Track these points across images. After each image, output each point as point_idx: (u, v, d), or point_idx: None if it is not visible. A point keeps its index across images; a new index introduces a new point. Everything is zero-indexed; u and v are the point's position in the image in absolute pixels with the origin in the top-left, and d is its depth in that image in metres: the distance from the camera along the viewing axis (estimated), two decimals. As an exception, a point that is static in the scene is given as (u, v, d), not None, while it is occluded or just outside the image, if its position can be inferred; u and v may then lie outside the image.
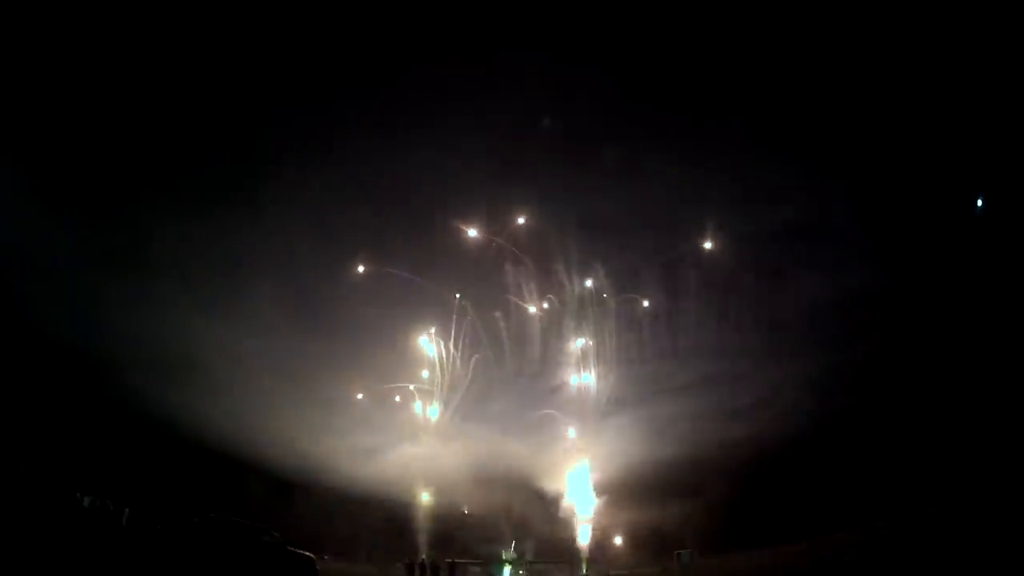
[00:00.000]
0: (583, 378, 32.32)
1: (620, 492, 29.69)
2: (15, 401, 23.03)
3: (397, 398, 32.63)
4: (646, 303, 31.83)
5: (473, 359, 32.88)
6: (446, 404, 32.75)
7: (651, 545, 28.76)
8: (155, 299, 25.78)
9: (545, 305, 33.18)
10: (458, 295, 32.85)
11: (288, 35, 26.72)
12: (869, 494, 24.18)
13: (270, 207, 27.82)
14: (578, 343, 32.85)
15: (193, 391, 26.20)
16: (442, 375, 33.00)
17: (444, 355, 33.00)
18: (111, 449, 24.92)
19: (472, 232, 32.25)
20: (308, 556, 23.00)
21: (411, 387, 32.79)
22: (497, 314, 33.13)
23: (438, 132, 30.37)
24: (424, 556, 29.50)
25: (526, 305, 33.00)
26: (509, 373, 33.02)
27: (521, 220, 32.62)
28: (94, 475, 23.87)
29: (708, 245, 30.84)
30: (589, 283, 32.81)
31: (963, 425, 23.54)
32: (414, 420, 32.56)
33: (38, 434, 23.31)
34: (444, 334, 33.13)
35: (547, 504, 30.45)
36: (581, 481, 30.47)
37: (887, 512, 22.73)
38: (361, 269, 30.92)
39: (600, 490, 30.18)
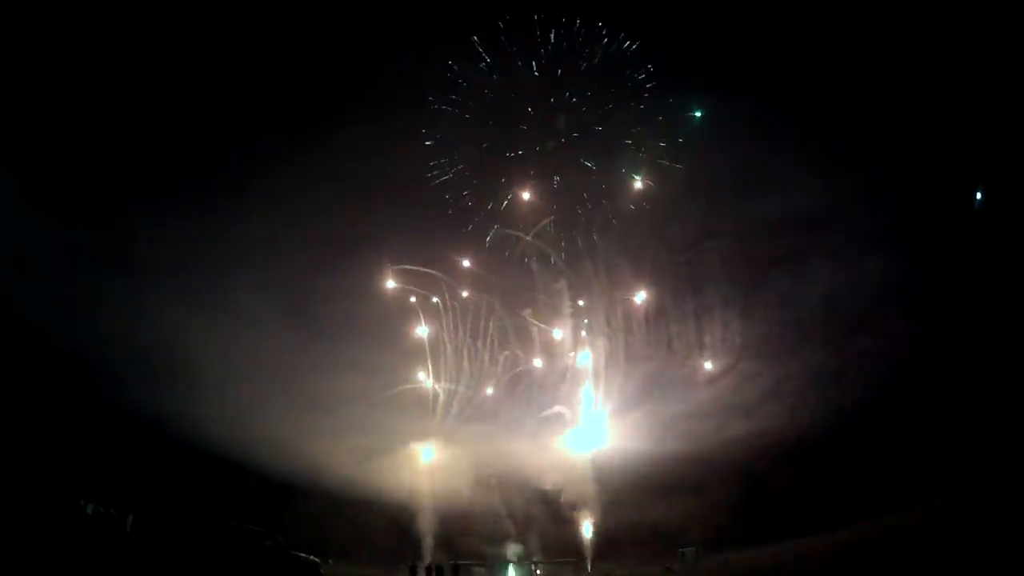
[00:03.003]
0: (590, 375, 32.39)
1: (624, 490, 29.60)
2: (15, 407, 23.04)
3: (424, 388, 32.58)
4: (653, 299, 31.74)
5: (503, 357, 33.13)
6: (456, 404, 32.92)
7: (655, 543, 28.66)
8: (154, 302, 25.74)
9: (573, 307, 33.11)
10: (485, 294, 33.05)
11: (281, 29, 26.86)
12: (877, 489, 24.22)
13: (270, 205, 27.83)
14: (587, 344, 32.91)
15: (195, 396, 26.20)
16: (470, 370, 33.23)
17: (464, 355, 33.20)
18: (113, 455, 24.91)
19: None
20: (313, 560, 22.97)
21: (430, 383, 32.86)
22: (527, 312, 33.33)
23: (451, 124, 30.88)
24: (429, 559, 29.62)
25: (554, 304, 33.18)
26: (528, 372, 33.22)
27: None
28: (97, 482, 23.86)
29: (713, 238, 30.97)
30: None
31: (972, 418, 23.55)
32: (421, 421, 32.50)
33: (40, 441, 23.33)
34: (459, 332, 33.22)
35: (552, 503, 30.39)
36: (586, 479, 30.43)
37: (895, 507, 22.73)
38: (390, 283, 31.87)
39: (604, 487, 30.11)
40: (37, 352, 23.62)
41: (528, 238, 32.87)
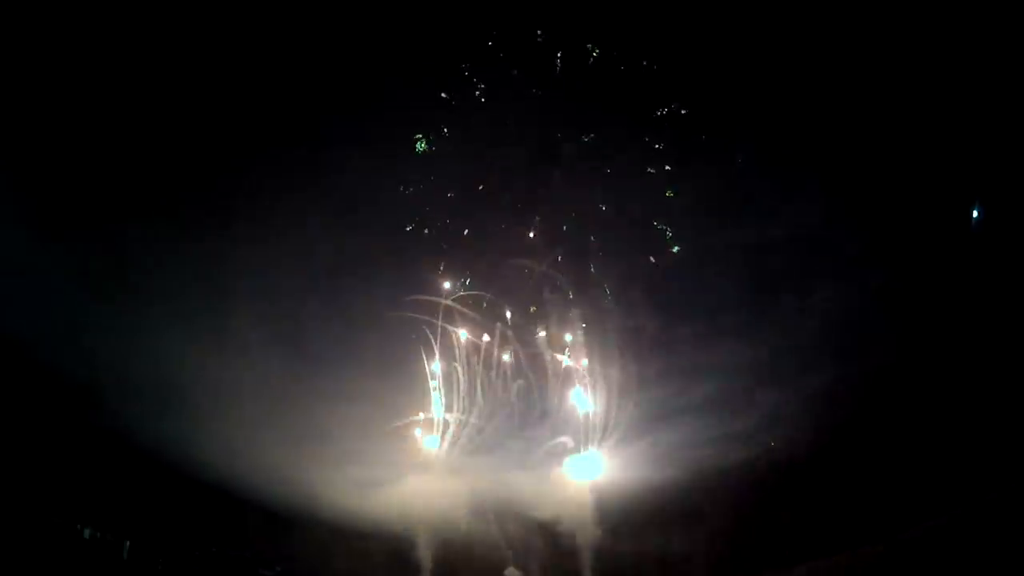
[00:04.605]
0: (589, 403, 32.08)
1: (623, 520, 29.05)
2: (13, 430, 23.49)
3: (418, 430, 32.40)
4: (644, 322, 31.58)
5: (516, 386, 32.60)
6: (463, 435, 32.61)
7: (656, 572, 28.02)
8: (152, 329, 26.06)
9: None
10: (499, 324, 32.94)
11: (273, 51, 27.53)
12: (880, 512, 23.61)
13: (270, 229, 28.15)
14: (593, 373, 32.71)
15: (194, 424, 26.32)
16: (481, 401, 32.79)
17: (473, 385, 33.04)
18: (111, 481, 25.15)
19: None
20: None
21: (444, 417, 32.63)
22: (540, 335, 33.10)
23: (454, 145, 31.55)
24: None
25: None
26: (538, 401, 32.58)
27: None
28: (94, 506, 24.09)
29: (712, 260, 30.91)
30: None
31: (975, 439, 22.98)
32: (420, 453, 32.24)
33: (38, 464, 23.68)
34: (469, 361, 33.03)
35: (551, 533, 29.84)
36: (584, 508, 29.90)
37: (899, 529, 22.13)
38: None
39: (602, 518, 29.51)
40: (35, 375, 24.09)
41: (540, 269, 33.07)
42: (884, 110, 27.89)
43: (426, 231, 32.61)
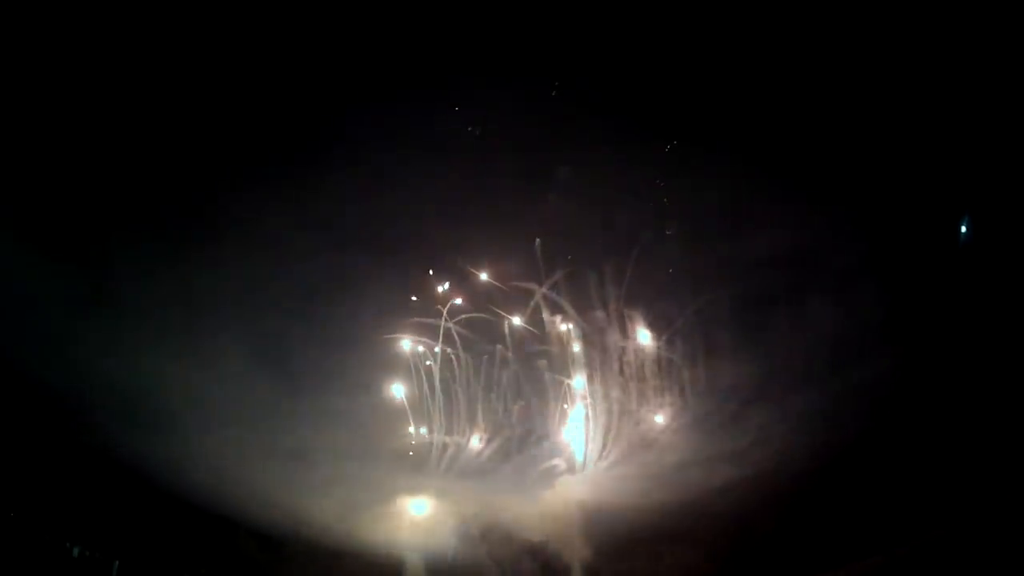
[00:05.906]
0: (587, 423, 32.01)
1: (613, 542, 28.57)
2: (7, 447, 23.80)
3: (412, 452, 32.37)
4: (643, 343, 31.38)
5: (516, 407, 32.50)
6: (460, 457, 32.49)
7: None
8: (138, 347, 26.41)
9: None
10: (499, 345, 32.75)
11: (260, 66, 27.36)
12: (872, 530, 23.19)
13: (262, 250, 28.43)
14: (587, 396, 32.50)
15: (185, 443, 26.57)
16: (483, 423, 32.71)
17: (474, 407, 32.90)
18: (100, 499, 25.31)
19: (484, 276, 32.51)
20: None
21: (443, 439, 32.62)
22: (542, 362, 32.86)
23: (446, 158, 30.69)
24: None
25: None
26: (538, 424, 32.51)
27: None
28: (83, 525, 24.25)
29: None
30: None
31: (966, 454, 22.46)
32: (415, 476, 32.12)
33: (29, 481, 23.95)
34: (470, 383, 33.02)
35: (541, 555, 29.45)
36: (575, 530, 29.49)
37: (888, 546, 21.69)
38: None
39: (593, 539, 29.06)
40: (24, 394, 24.45)
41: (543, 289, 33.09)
42: (877, 125, 27.75)
43: (426, 251, 33.14)
